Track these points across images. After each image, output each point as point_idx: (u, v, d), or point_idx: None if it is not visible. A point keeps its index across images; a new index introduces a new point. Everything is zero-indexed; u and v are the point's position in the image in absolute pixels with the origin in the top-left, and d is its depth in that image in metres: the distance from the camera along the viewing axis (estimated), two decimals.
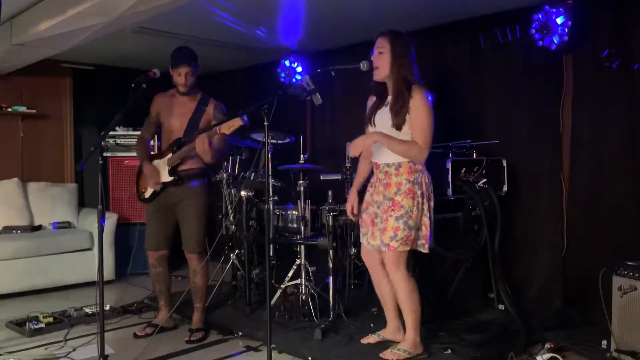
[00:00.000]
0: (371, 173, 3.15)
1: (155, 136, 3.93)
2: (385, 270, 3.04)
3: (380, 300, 3.22)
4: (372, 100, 3.11)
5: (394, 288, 3.00)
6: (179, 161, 3.37)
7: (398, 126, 2.87)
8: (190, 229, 3.43)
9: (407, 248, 2.88)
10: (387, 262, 2.96)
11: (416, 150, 2.84)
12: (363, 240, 3.11)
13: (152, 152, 3.59)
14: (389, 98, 2.95)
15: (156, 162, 3.49)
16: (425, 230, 2.92)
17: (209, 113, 3.43)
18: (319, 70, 3.04)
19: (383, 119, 2.95)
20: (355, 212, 3.17)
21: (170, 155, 3.40)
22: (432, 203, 2.96)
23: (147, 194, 3.50)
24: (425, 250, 2.94)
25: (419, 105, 2.84)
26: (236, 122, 2.90)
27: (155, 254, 3.53)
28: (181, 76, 3.35)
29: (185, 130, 3.40)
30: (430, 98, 2.88)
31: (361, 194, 3.18)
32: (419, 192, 2.88)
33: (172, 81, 3.42)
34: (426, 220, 2.91)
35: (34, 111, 5.32)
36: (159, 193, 3.45)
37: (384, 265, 3.04)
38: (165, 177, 3.41)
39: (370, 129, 3.03)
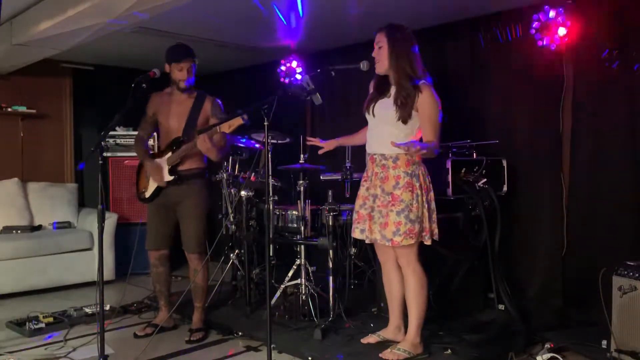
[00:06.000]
0: (363, 164, 3.14)
1: (155, 135, 3.90)
2: (398, 267, 3.05)
3: (387, 296, 3.23)
4: (373, 85, 3.09)
5: (405, 283, 3.00)
6: (179, 160, 3.37)
7: (404, 120, 2.85)
8: (190, 229, 3.42)
9: (412, 241, 2.86)
10: (398, 257, 2.98)
11: (432, 147, 2.81)
12: (356, 232, 3.08)
13: (152, 152, 3.59)
14: (392, 90, 2.93)
15: (157, 161, 3.48)
16: (427, 222, 2.90)
17: (206, 110, 3.42)
18: (319, 70, 3.04)
19: (385, 109, 2.92)
20: (319, 144, 3.33)
21: (169, 154, 3.40)
22: (431, 194, 2.94)
23: (147, 194, 3.49)
24: (427, 242, 2.92)
25: (428, 101, 2.83)
26: (236, 121, 2.89)
27: (156, 253, 3.54)
28: (183, 71, 3.34)
29: (184, 129, 3.39)
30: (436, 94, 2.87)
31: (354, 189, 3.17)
32: (417, 185, 2.88)
33: (170, 80, 3.40)
34: (426, 212, 2.90)
35: (34, 111, 5.32)
36: (159, 193, 3.45)
37: (397, 262, 3.05)
38: (166, 177, 3.41)
39: (369, 117, 3.04)
